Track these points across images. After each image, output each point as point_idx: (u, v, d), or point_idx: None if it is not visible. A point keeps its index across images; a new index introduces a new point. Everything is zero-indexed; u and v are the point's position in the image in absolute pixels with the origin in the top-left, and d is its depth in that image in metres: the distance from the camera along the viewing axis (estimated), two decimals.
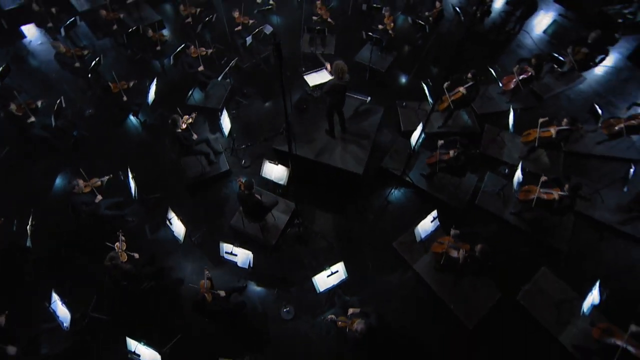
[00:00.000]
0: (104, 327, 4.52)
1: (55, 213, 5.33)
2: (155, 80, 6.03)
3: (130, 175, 4.85)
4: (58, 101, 5.69)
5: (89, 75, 6.51)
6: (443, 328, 4.72)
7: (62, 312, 4.00)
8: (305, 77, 5.66)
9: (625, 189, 5.55)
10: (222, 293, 4.06)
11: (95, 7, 7.90)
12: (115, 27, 6.96)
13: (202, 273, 4.20)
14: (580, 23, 8.55)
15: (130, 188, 4.94)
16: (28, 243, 4.45)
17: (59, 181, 5.89)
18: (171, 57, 6.28)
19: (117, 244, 4.26)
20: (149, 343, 3.71)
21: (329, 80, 4.99)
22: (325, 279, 4.17)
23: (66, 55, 6.63)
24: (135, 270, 4.20)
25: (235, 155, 6.15)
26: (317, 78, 5.62)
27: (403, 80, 7.68)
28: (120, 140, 6.44)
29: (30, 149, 6.04)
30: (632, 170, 5.30)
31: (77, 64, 6.65)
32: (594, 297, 4.16)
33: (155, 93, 5.95)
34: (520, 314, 4.80)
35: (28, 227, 4.51)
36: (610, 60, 7.80)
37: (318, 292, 4.23)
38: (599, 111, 5.97)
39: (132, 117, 6.53)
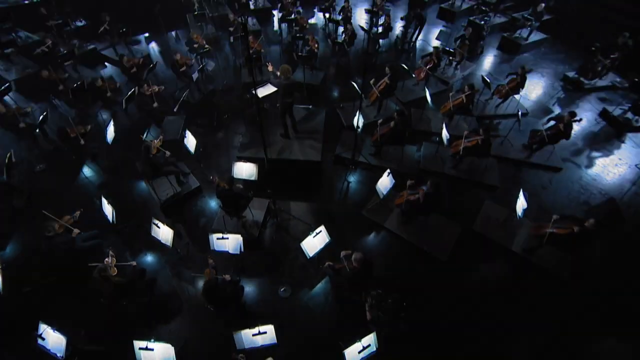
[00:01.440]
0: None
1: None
2: (112, 120, 6.41)
3: (105, 202, 5.04)
4: (8, 155, 5.73)
5: (37, 131, 6.64)
6: (422, 267, 5.42)
7: (54, 340, 3.88)
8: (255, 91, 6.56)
9: (520, 128, 7.21)
10: (227, 277, 4.32)
11: (24, 74, 8.15)
12: (61, 87, 7.27)
13: (193, 282, 4.44)
14: (457, 29, 11.10)
15: (106, 215, 5.09)
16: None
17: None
18: (124, 100, 6.77)
19: (106, 260, 4.34)
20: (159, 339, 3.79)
21: (279, 83, 5.90)
22: (312, 243, 4.69)
23: (7, 115, 6.68)
24: (126, 281, 4.28)
25: (203, 171, 6.60)
26: (264, 90, 6.56)
27: (335, 88, 9.05)
28: (81, 187, 6.49)
29: None
30: (518, 123, 7.01)
31: (22, 124, 6.74)
32: (522, 202, 5.28)
33: (115, 132, 6.30)
34: (478, 239, 5.75)
35: None
36: (488, 52, 10.23)
37: (308, 257, 4.72)
38: (488, 80, 7.79)
39: (85, 167, 6.68)
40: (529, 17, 10.49)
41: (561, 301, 5.10)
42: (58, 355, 3.89)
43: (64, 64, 8.02)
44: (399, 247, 5.69)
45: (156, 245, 5.42)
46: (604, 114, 8.39)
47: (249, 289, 5.09)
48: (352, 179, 6.75)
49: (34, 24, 9.17)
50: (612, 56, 8.56)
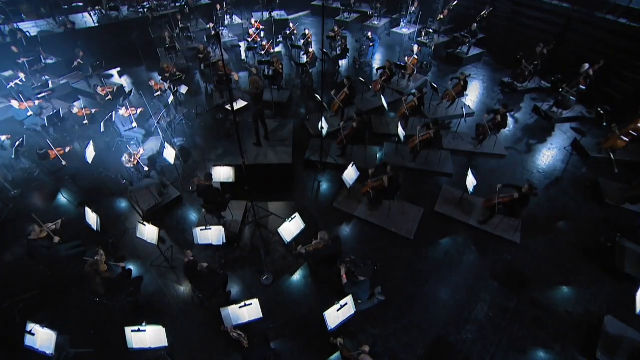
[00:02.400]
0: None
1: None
2: (90, 142, 6.80)
3: (89, 211, 5.34)
4: None
5: (12, 157, 6.87)
6: (393, 247, 6.02)
7: (43, 338, 4.02)
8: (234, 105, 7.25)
9: (465, 121, 8.34)
10: (205, 264, 4.68)
11: None
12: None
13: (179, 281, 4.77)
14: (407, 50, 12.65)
15: (90, 225, 5.37)
16: None
17: None
18: (101, 124, 7.21)
19: (96, 257, 4.59)
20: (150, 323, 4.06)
21: (250, 92, 6.62)
22: (289, 228, 5.21)
23: None
24: (114, 278, 4.55)
25: (182, 181, 7.02)
26: (237, 105, 7.29)
27: (301, 104, 9.96)
28: (60, 206, 6.68)
29: None
30: (464, 119, 8.14)
31: None
32: (471, 179, 6.14)
33: (94, 150, 6.68)
34: (440, 219, 6.50)
35: None
36: (437, 66, 11.75)
37: (286, 242, 5.22)
38: (436, 86, 8.97)
39: (64, 190, 6.92)
40: (466, 35, 12.22)
41: (517, 260, 5.85)
42: (47, 353, 4.03)
43: (38, 96, 8.39)
44: (370, 233, 6.29)
45: (141, 251, 5.75)
46: (535, 110, 9.79)
47: (233, 280, 5.44)
48: (322, 178, 7.42)
49: (5, 62, 9.57)
50: (534, 63, 10.16)
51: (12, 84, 8.18)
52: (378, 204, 6.59)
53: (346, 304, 4.28)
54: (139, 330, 3.97)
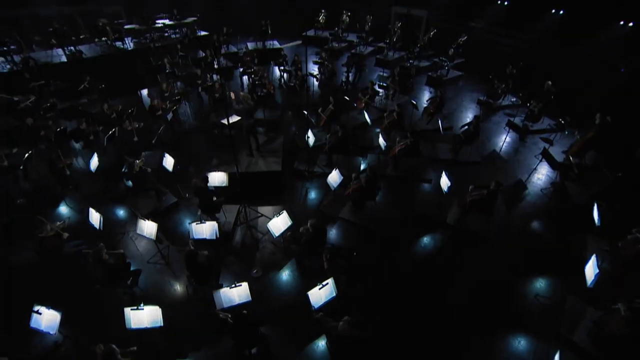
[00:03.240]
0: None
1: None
2: (95, 153, 7.47)
3: (92, 211, 5.88)
4: None
5: (20, 167, 7.48)
6: (375, 244, 6.56)
7: (48, 319, 4.42)
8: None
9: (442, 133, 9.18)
10: (205, 252, 5.19)
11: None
12: (42, 132, 8.29)
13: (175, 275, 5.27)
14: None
15: (92, 225, 5.90)
16: None
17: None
18: (105, 138, 7.92)
19: (100, 245, 5.09)
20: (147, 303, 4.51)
21: (243, 108, 7.44)
22: (277, 224, 5.78)
23: None
24: (116, 264, 5.03)
25: (179, 188, 7.64)
26: (231, 119, 8.06)
27: (291, 122, 10.80)
28: (64, 212, 7.21)
29: None
30: (440, 123, 9.00)
31: (5, 163, 7.54)
32: (445, 180, 6.82)
33: (98, 161, 7.33)
34: (417, 217, 7.10)
35: None
36: (420, 88, 12.87)
37: (274, 237, 5.78)
38: (414, 102, 9.91)
39: (68, 198, 7.49)
40: (444, 59, 13.48)
41: (489, 254, 6.40)
42: (51, 332, 4.43)
43: (47, 115, 9.16)
44: (352, 232, 6.84)
45: (139, 250, 6.26)
46: (509, 124, 10.72)
47: (225, 274, 5.89)
48: (309, 185, 8.07)
49: (17, 88, 10.45)
50: (505, 82, 11.25)
51: (22, 105, 8.97)
52: (361, 207, 7.19)
53: (327, 283, 4.77)
54: (137, 309, 4.41)
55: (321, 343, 4.95)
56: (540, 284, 5.91)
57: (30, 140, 8.42)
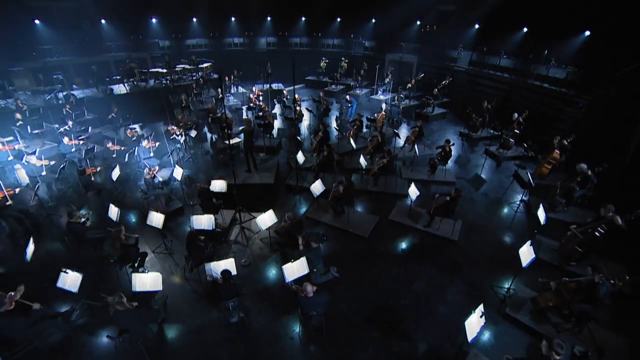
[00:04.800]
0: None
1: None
2: (117, 165, 9.05)
3: (112, 206, 7.26)
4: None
5: (56, 177, 9.08)
6: (351, 243, 7.64)
7: (72, 279, 5.57)
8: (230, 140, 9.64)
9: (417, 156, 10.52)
10: (202, 237, 6.40)
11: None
12: (74, 149, 10.07)
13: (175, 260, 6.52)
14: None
15: (110, 217, 7.24)
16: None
17: None
18: (126, 155, 9.55)
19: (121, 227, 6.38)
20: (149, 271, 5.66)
21: (243, 130, 9.06)
22: (264, 219, 7.00)
23: None
24: (130, 244, 6.28)
25: (185, 198, 9.02)
26: (233, 141, 9.70)
27: (288, 148, 12.42)
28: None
29: None
30: (417, 148, 10.42)
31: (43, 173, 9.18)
32: (414, 190, 8.04)
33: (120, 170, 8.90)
34: (393, 224, 8.21)
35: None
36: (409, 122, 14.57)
37: (261, 230, 6.99)
38: (396, 131, 11.46)
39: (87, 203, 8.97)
40: (429, 98, 15.35)
41: (454, 253, 7.38)
42: (73, 291, 5.55)
43: (79, 139, 11.06)
44: (333, 233, 7.97)
45: (146, 243, 7.51)
46: (486, 152, 12.06)
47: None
48: (298, 197, 9.35)
49: (59, 117, 12.59)
50: (482, 116, 12.85)
51: (62, 129, 10.91)
52: (341, 213, 8.37)
53: (300, 261, 5.85)
54: (142, 272, 5.56)
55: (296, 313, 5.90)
56: (495, 276, 6.80)
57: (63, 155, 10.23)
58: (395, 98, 16.30)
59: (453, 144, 10.15)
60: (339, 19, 22.29)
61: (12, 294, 5.07)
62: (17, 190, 8.26)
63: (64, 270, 5.56)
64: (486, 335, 5.65)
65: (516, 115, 11.44)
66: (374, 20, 21.26)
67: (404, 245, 7.71)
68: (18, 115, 11.41)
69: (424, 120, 14.95)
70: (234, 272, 5.87)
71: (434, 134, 14.12)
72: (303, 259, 5.92)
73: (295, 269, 5.83)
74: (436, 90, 15.41)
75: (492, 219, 8.59)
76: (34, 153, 9.64)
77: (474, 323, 4.62)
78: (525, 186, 9.27)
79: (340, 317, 5.96)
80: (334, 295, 6.25)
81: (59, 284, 5.59)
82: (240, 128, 9.43)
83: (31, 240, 6.27)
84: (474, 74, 16.24)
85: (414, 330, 5.78)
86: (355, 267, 7.01)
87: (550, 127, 12.00)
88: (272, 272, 6.92)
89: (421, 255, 7.39)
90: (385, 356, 5.39)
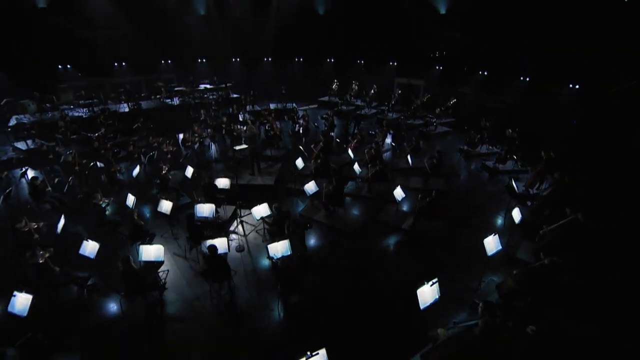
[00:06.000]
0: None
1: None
2: (137, 165, 10.45)
3: (129, 195, 8.51)
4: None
5: (86, 172, 10.57)
6: (336, 237, 8.45)
7: (91, 247, 6.70)
8: (236, 147, 10.87)
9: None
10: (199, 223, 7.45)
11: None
12: (102, 151, 11.70)
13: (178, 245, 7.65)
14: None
15: (127, 205, 8.47)
16: None
17: None
18: (146, 158, 11.00)
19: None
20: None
21: (248, 136, 10.32)
22: (259, 210, 7.99)
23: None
24: (143, 225, 7.43)
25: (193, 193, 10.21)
26: (240, 146, 10.95)
27: (292, 158, 13.53)
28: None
29: None
30: (410, 159, 11.25)
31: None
32: (399, 191, 8.83)
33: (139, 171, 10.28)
34: (379, 225, 8.97)
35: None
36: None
37: (257, 220, 7.98)
38: (393, 144, 12.39)
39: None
40: (432, 117, 16.29)
41: (437, 251, 8.01)
42: (92, 257, 6.65)
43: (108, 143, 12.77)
44: (323, 231, 8.81)
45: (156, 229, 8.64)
46: (483, 166, 12.68)
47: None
48: (295, 199, 10.32)
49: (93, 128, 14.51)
50: (481, 132, 13.58)
51: (94, 136, 12.69)
52: (332, 213, 9.23)
53: (283, 242, 6.74)
54: (148, 243, 6.62)
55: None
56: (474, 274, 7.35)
57: (94, 155, 11.86)
58: (401, 117, 17.36)
59: (445, 154, 10.91)
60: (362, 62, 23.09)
61: (43, 252, 6.26)
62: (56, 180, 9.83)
63: (86, 239, 6.74)
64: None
65: (510, 130, 12.12)
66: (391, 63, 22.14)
67: (388, 241, 8.42)
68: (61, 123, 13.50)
69: (426, 138, 15.83)
70: (226, 250, 6.83)
71: (434, 150, 14.88)
72: (286, 241, 6.80)
73: (280, 247, 6.71)
74: (439, 109, 16.35)
75: (478, 221, 9.16)
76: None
77: (427, 292, 5.26)
78: (516, 196, 9.84)
79: (317, 299, 6.71)
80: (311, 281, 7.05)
81: (81, 251, 6.74)
82: (245, 131, 10.73)
83: (62, 216, 7.56)
84: (478, 96, 17.14)
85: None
86: (337, 258, 7.78)
87: (542, 142, 12.55)
88: (261, 258, 7.80)
89: (406, 252, 8.07)
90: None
